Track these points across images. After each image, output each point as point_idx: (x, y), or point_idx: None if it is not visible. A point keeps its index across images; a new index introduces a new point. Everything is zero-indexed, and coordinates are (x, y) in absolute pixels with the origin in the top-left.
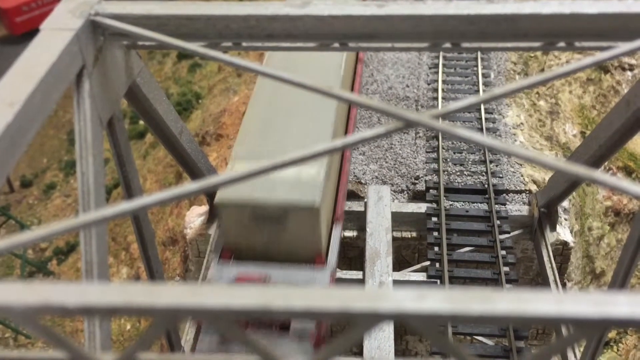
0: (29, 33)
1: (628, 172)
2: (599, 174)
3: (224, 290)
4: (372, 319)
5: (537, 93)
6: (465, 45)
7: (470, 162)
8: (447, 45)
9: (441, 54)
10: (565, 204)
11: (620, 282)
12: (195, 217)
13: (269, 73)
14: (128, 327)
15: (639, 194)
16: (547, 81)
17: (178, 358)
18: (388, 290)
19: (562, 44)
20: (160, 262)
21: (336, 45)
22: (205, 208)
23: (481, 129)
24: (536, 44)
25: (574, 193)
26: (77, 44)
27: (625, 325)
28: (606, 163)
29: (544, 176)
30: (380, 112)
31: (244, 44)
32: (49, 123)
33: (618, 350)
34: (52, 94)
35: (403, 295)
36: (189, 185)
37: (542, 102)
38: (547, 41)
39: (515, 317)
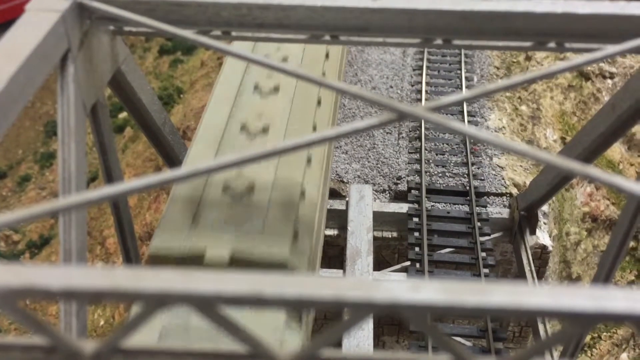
0: (8, 23)
1: None
2: (592, 169)
3: (216, 276)
4: (366, 309)
5: (519, 98)
6: (457, 42)
7: (452, 164)
8: (439, 41)
9: (425, 56)
10: (545, 208)
11: (604, 277)
12: None
13: (260, 61)
14: (102, 322)
15: (633, 190)
16: (546, 77)
17: (164, 346)
18: (382, 280)
19: (552, 45)
20: (139, 254)
21: (327, 37)
22: None
23: None
24: (527, 44)
25: (553, 198)
26: (63, 26)
27: (622, 320)
28: None
29: (525, 180)
30: (373, 103)
31: (234, 34)
32: (26, 114)
33: (592, 355)
34: (36, 76)
35: (398, 286)
36: (175, 172)
37: (524, 107)
38: (538, 40)
39: (510, 309)
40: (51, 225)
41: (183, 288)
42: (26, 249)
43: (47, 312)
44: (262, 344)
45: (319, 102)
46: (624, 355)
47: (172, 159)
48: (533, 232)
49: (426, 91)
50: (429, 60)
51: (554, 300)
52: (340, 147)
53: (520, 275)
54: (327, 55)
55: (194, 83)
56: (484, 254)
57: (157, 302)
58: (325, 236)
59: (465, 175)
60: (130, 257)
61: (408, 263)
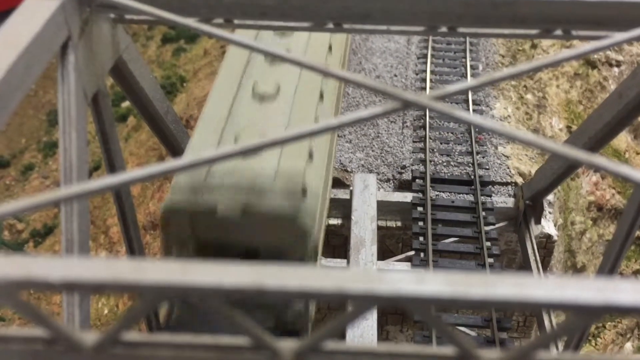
0: (8, 11)
1: None
2: (598, 158)
3: (216, 268)
4: (369, 301)
5: (525, 86)
6: (462, 30)
7: (457, 153)
8: (444, 29)
9: (430, 44)
10: (550, 197)
11: (609, 267)
12: None
13: (263, 49)
14: (105, 311)
15: (639, 180)
16: (552, 65)
17: (165, 338)
18: (386, 271)
19: (559, 32)
20: (142, 244)
21: (330, 25)
22: None
23: None
24: (533, 31)
25: (558, 187)
26: (63, 14)
27: (628, 312)
28: None
29: (530, 169)
30: (377, 91)
31: (236, 22)
32: (28, 103)
33: (596, 345)
34: (36, 65)
35: (401, 278)
36: (177, 161)
37: (529, 96)
38: (545, 28)
39: (516, 301)
40: (55, 214)
41: (183, 280)
42: (30, 238)
43: (51, 301)
44: (263, 336)
45: (321, 96)
46: (628, 345)
47: (175, 148)
48: (538, 222)
49: (431, 80)
50: (433, 49)
51: (559, 292)
52: (344, 136)
53: (525, 264)
54: (330, 48)
55: (197, 72)
56: (488, 244)
57: (157, 294)
58: (329, 225)
59: (470, 165)
60: (134, 246)
61: (412, 252)
